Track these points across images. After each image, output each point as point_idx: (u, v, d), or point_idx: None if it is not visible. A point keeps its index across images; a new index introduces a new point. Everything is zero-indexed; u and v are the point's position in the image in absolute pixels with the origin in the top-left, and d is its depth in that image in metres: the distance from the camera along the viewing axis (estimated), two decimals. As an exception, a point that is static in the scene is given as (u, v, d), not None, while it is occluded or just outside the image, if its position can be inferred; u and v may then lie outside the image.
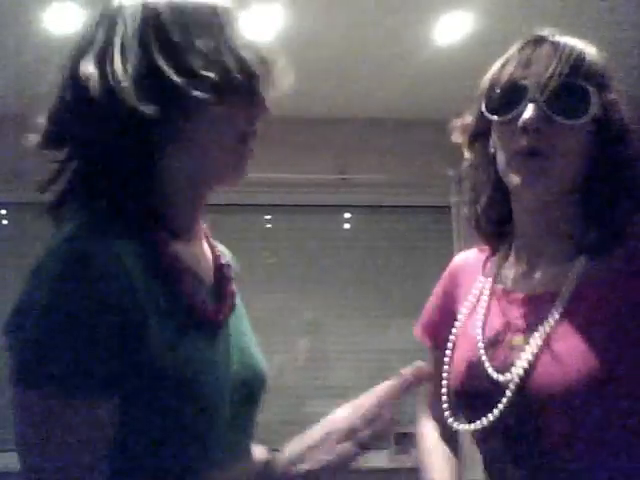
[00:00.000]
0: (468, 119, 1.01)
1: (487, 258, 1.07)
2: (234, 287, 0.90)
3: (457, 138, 1.03)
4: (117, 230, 0.72)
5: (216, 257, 0.90)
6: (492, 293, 1.00)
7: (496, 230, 1.03)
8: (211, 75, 0.74)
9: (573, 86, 0.88)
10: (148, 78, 0.72)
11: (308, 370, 3.51)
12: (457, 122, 1.03)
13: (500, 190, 0.98)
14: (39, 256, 0.70)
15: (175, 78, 0.72)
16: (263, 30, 2.74)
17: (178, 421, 0.72)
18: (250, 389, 0.86)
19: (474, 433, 0.95)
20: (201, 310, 0.78)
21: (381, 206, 3.64)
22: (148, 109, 0.71)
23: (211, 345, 0.79)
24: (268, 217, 3.73)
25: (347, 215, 3.77)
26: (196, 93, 0.73)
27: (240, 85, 0.77)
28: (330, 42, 2.84)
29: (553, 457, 0.86)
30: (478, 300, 1.02)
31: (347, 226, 3.83)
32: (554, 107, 0.87)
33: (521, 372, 0.87)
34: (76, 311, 0.66)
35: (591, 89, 0.89)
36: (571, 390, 0.83)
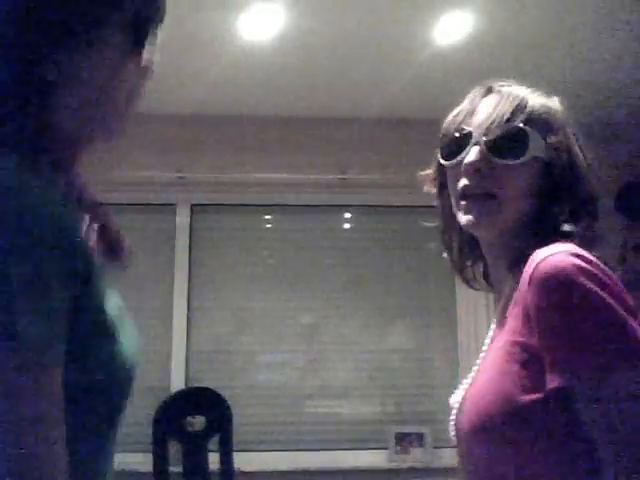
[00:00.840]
0: (431, 169, 1.08)
1: None
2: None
3: (428, 189, 1.10)
4: (28, 167, 0.69)
5: None
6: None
7: (473, 271, 1.09)
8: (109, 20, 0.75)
9: (512, 129, 0.94)
10: (34, 16, 0.72)
11: (308, 370, 3.51)
12: (423, 173, 1.09)
13: (468, 232, 1.03)
14: None
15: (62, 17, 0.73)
16: (263, 30, 2.74)
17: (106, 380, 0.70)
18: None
19: None
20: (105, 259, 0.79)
21: (381, 206, 3.65)
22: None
23: (121, 308, 0.77)
24: (268, 217, 3.74)
25: (347, 215, 3.77)
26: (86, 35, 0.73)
27: (133, 36, 0.78)
28: (330, 42, 2.84)
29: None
30: None
31: (347, 226, 3.83)
32: (494, 150, 0.94)
33: (455, 403, 0.98)
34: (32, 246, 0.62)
35: (530, 132, 0.94)
36: (476, 422, 0.88)
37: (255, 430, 3.35)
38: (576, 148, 0.98)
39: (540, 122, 0.96)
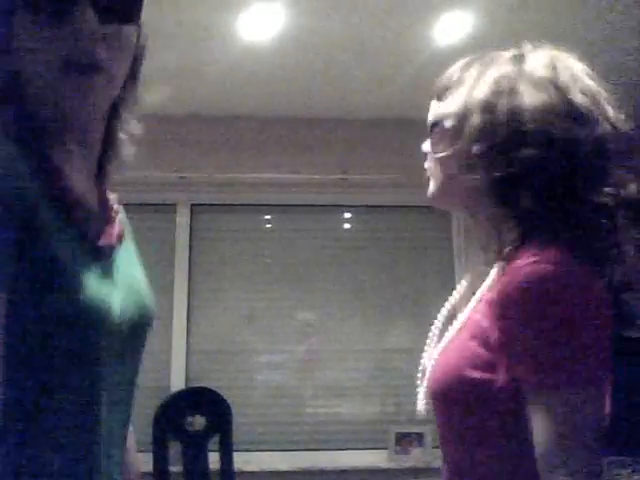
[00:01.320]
0: None
1: None
2: (119, 226, 0.88)
3: None
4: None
5: (104, 197, 0.89)
6: None
7: None
8: None
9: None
10: None
11: (308, 370, 3.51)
12: None
13: None
14: None
15: None
16: (263, 30, 2.74)
17: (58, 339, 0.68)
18: (137, 326, 0.82)
19: None
20: (85, 232, 0.77)
21: (381, 206, 3.65)
22: None
23: (97, 272, 0.76)
24: (268, 217, 3.74)
25: (347, 215, 3.77)
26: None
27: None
28: (330, 42, 2.84)
29: (442, 445, 1.01)
30: None
31: (347, 226, 3.83)
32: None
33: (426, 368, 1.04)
34: None
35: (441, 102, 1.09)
36: (435, 389, 0.96)
37: (255, 430, 3.35)
38: (528, 97, 0.93)
39: (442, 88, 1.10)
